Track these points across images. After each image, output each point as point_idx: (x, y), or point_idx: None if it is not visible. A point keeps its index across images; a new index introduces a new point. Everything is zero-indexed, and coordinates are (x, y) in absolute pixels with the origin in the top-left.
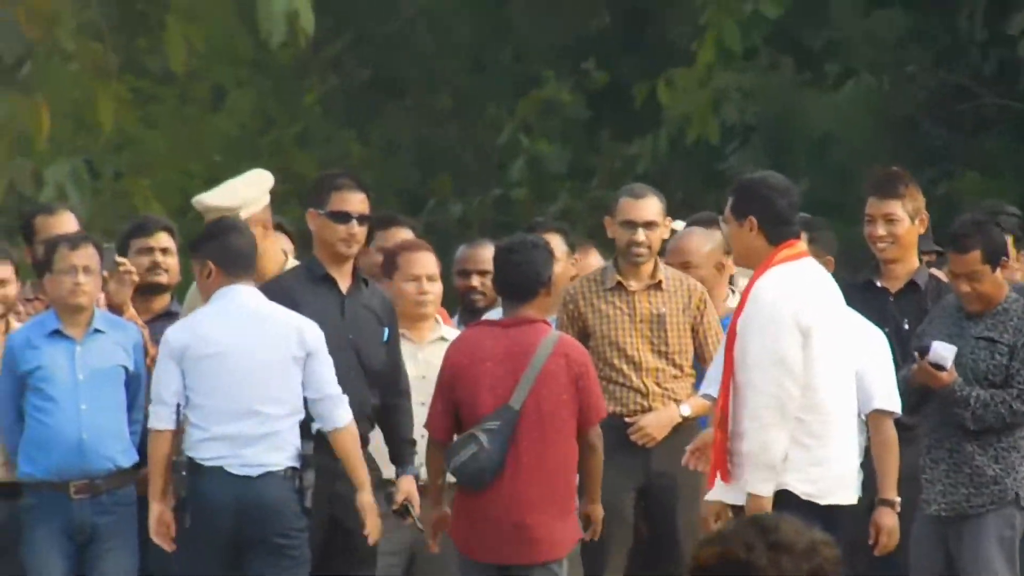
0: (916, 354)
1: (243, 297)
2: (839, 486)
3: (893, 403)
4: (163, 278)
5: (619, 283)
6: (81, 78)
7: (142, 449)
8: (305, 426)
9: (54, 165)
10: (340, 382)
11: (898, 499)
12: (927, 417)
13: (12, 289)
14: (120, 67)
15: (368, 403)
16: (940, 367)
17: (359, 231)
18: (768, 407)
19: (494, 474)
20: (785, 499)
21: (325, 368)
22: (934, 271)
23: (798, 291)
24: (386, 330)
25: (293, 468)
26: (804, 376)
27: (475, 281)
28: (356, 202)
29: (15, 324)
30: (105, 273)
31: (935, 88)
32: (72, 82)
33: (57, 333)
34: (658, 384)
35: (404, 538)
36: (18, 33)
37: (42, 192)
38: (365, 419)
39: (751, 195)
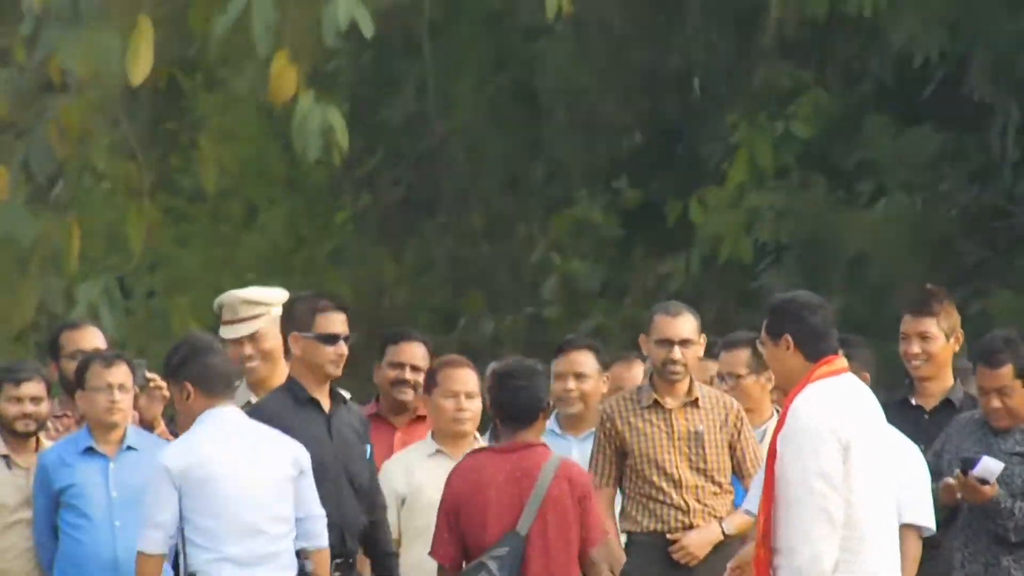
0: (958, 470)
1: (231, 417)
2: None
3: (925, 518)
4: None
5: (656, 401)
6: (113, 197)
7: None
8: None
9: (86, 283)
10: (334, 503)
11: None
12: (960, 532)
13: (44, 407)
14: (152, 186)
15: (360, 522)
16: (984, 481)
17: (345, 351)
18: (816, 520)
19: None
20: None
21: (312, 488)
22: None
23: (837, 406)
24: (368, 447)
25: None
26: (844, 490)
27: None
28: (340, 323)
29: (45, 442)
30: (136, 389)
31: (968, 207)
32: (104, 201)
33: (90, 450)
34: (698, 501)
35: None
36: (49, 152)
37: (73, 311)
38: (356, 537)
39: (785, 314)
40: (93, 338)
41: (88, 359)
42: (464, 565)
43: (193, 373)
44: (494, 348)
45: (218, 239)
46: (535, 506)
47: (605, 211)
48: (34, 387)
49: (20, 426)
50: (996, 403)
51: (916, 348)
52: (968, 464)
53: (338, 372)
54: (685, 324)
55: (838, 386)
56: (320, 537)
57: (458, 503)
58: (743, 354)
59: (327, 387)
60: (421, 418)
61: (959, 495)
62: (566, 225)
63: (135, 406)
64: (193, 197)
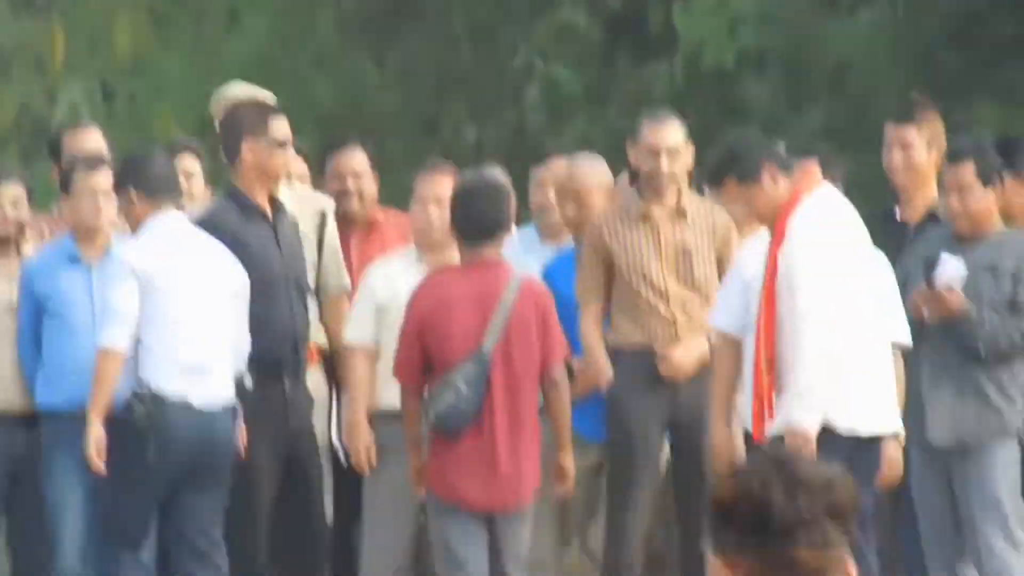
0: (923, 280)
1: (178, 225)
2: (879, 416)
3: (903, 335)
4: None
5: (643, 212)
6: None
7: None
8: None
9: (67, 85)
10: (287, 314)
11: (903, 432)
12: (925, 343)
13: (24, 211)
14: None
15: (309, 326)
16: (949, 289)
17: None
18: (813, 352)
19: (471, 421)
20: (826, 435)
21: (245, 313)
22: None
23: (838, 218)
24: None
25: (234, 404)
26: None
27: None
28: (287, 128)
29: (27, 248)
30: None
31: (950, 15)
32: (88, 4)
33: (73, 258)
34: (685, 313)
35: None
36: None
37: (55, 113)
38: (306, 346)
39: (752, 150)
40: (94, 140)
41: (72, 164)
42: (425, 383)
43: (135, 180)
44: (477, 155)
45: (200, 43)
46: (499, 325)
47: (588, 16)
48: (12, 189)
49: None
50: (956, 203)
51: (897, 156)
52: (930, 264)
53: (283, 176)
54: (672, 132)
55: (829, 199)
56: (244, 362)
57: (422, 321)
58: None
59: (267, 194)
60: (373, 226)
61: (925, 311)
62: (549, 30)
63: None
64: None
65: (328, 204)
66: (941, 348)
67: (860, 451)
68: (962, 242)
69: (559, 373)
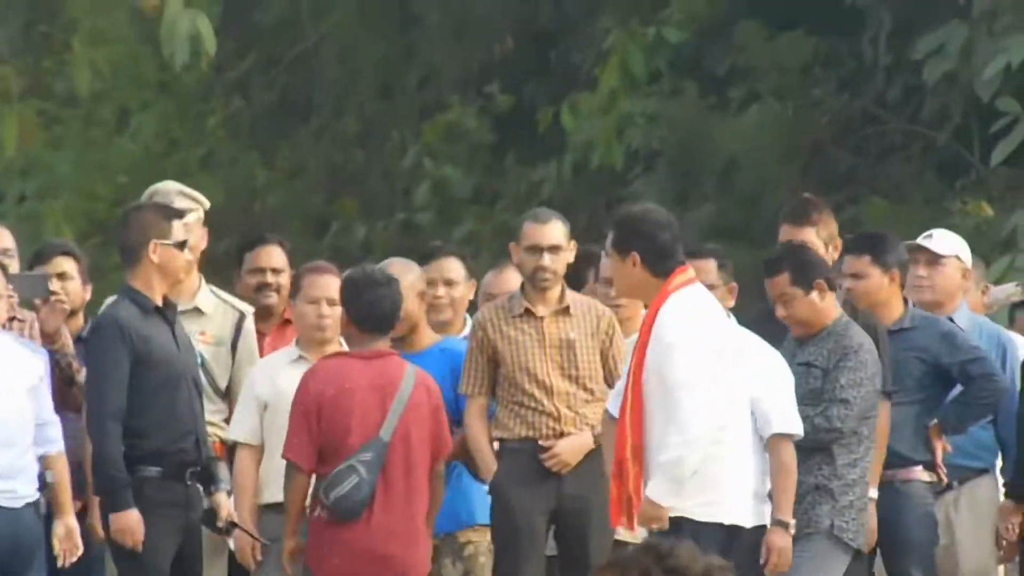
0: None
1: None
2: (737, 507)
3: (793, 426)
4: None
5: (527, 309)
6: None
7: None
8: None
9: None
10: (188, 411)
11: (792, 521)
12: None
13: None
14: (24, 90)
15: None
16: None
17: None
18: (696, 423)
19: (366, 506)
20: (684, 526)
21: (47, 393)
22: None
23: (706, 315)
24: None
25: (38, 499)
26: (715, 395)
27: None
28: (186, 229)
29: None
30: (37, 301)
31: (840, 113)
32: None
33: None
34: (570, 408)
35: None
36: None
37: None
38: (207, 443)
39: (633, 231)
40: (1, 238)
41: None
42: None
43: None
44: (366, 253)
45: (90, 143)
46: (398, 413)
47: (477, 117)
48: None
49: None
50: (781, 311)
51: None
52: None
53: (185, 278)
54: (554, 230)
55: (699, 296)
56: (57, 442)
57: (320, 405)
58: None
59: (163, 294)
60: (288, 322)
61: None
62: (438, 131)
63: (38, 317)
64: (66, 101)
65: (247, 308)
66: None
67: (732, 541)
68: (799, 343)
69: (442, 465)
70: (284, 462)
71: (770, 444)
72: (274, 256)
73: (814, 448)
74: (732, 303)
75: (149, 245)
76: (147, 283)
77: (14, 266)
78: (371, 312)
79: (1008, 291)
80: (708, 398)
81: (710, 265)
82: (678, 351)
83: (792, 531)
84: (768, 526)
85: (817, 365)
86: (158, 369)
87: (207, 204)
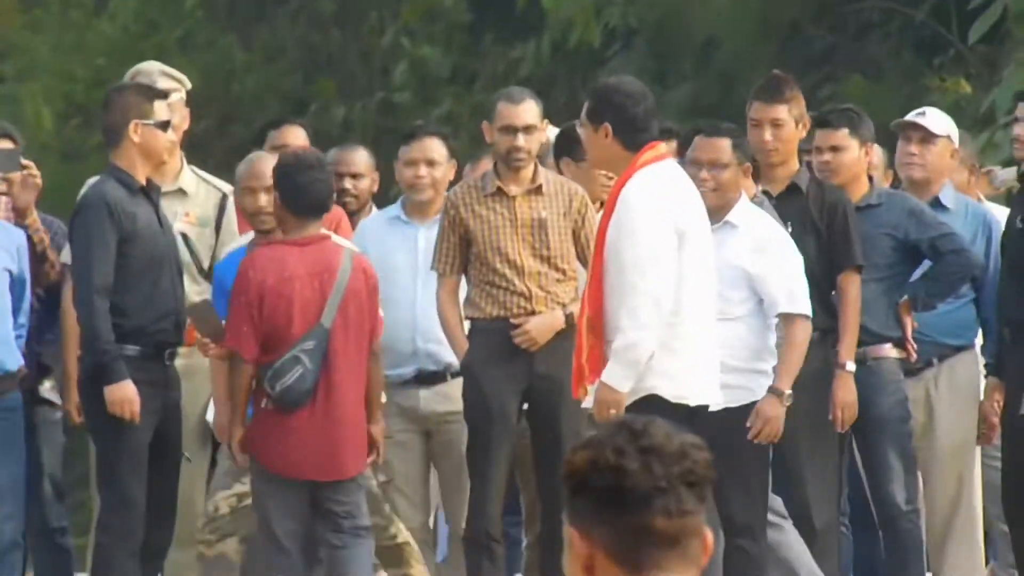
0: None
1: None
2: (704, 388)
3: (798, 306)
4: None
5: (499, 188)
6: None
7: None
8: None
9: None
10: (172, 293)
11: (788, 392)
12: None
13: None
14: None
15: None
16: None
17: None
18: (646, 307)
19: (311, 395)
20: (654, 403)
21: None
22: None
23: (671, 193)
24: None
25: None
26: (676, 276)
27: (347, 184)
28: (168, 111)
29: None
30: (8, 176)
31: None
32: None
33: None
34: (541, 288)
35: None
36: None
37: None
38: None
39: (606, 102)
40: None
41: None
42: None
43: None
44: (344, 134)
45: (69, 25)
46: (337, 300)
47: None
48: None
49: None
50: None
51: (768, 135)
52: None
53: (168, 158)
54: (528, 110)
55: (667, 172)
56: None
57: (262, 295)
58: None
59: (147, 175)
60: None
61: None
62: (416, 10)
63: (8, 193)
64: None
65: (228, 188)
66: None
67: (685, 423)
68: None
69: (379, 346)
70: None
71: (782, 321)
72: (299, 136)
73: None
74: (749, 183)
75: (130, 125)
76: (131, 163)
77: None
78: (306, 196)
79: (1013, 174)
80: (659, 282)
81: (724, 144)
82: (635, 232)
83: (786, 403)
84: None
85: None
86: (143, 248)
87: (189, 84)
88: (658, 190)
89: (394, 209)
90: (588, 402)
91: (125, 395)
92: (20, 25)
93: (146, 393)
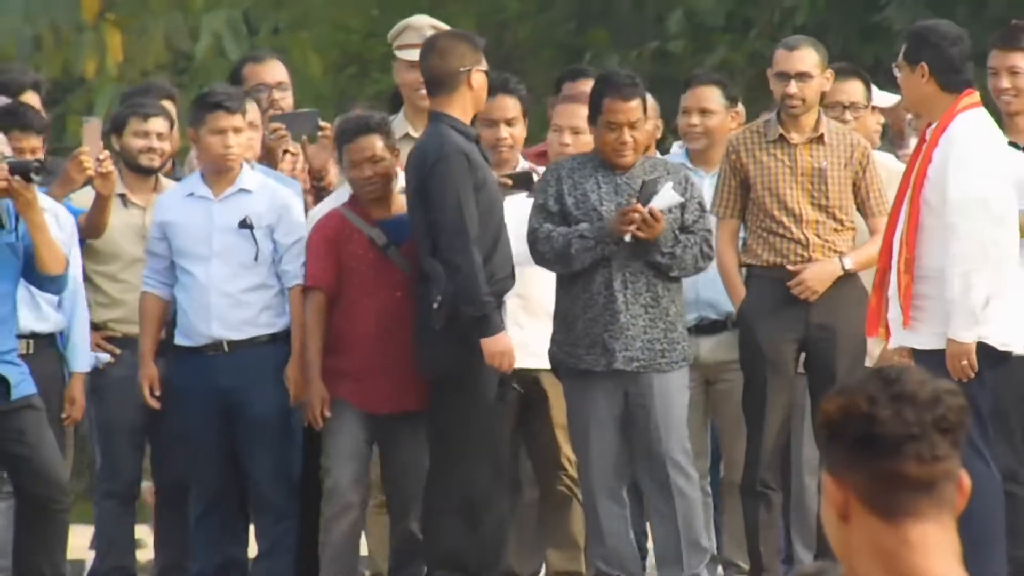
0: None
1: None
2: (1022, 336)
3: None
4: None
5: (781, 135)
6: None
7: None
8: None
9: (209, 15)
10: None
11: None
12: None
13: (167, 145)
14: None
15: None
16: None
17: None
18: (972, 251)
19: None
20: (981, 352)
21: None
22: None
23: (994, 139)
24: None
25: None
26: (1002, 222)
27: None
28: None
29: (165, 181)
30: (305, 137)
31: None
32: None
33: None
34: (818, 236)
35: None
36: None
37: (198, 44)
38: None
39: (923, 42)
40: (276, 72)
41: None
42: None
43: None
44: None
45: None
46: None
47: None
48: (158, 123)
49: (144, 160)
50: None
51: (1005, 82)
52: (651, 188)
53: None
54: (804, 57)
55: (987, 120)
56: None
57: None
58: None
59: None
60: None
61: (630, 227)
62: None
63: (305, 155)
64: None
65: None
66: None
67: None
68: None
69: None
70: None
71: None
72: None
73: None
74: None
75: (470, 73)
76: (464, 112)
77: (288, 99)
78: None
79: None
80: (984, 226)
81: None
82: (961, 173)
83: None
84: None
85: None
86: (488, 200)
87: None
88: (985, 135)
89: (679, 158)
90: (895, 342)
91: (503, 346)
92: None
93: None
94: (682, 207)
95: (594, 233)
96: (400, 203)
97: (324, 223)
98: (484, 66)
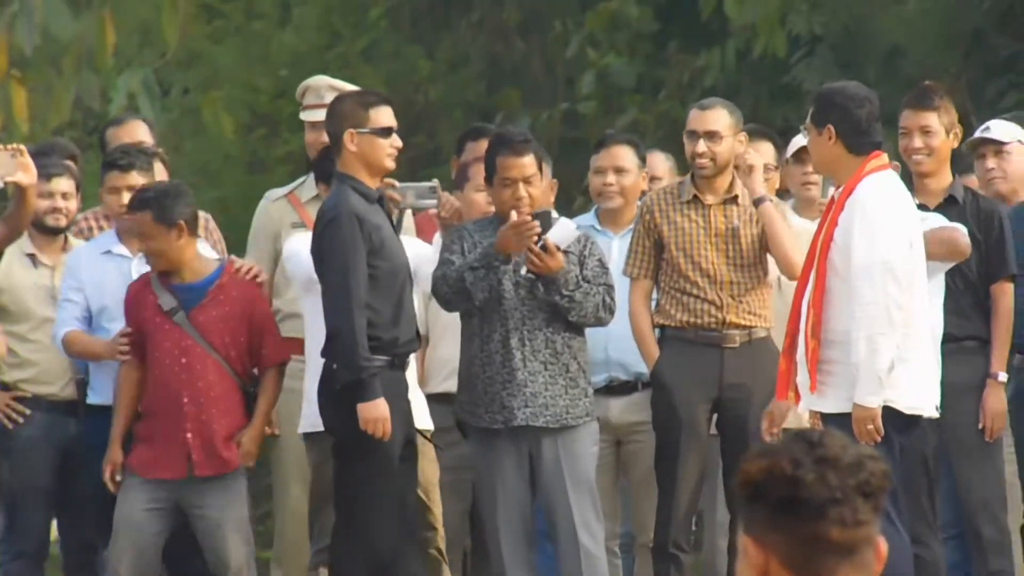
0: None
1: None
2: (929, 399)
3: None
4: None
5: (695, 196)
6: None
7: None
8: None
9: (124, 74)
10: (410, 302)
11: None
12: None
13: (73, 204)
14: None
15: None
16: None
17: (399, 143)
18: (877, 316)
19: None
20: (889, 415)
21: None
22: (969, 184)
23: (901, 201)
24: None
25: None
26: (907, 286)
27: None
28: (391, 116)
29: (74, 241)
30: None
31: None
32: None
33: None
34: (732, 296)
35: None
36: None
37: (112, 104)
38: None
39: (830, 104)
40: (137, 132)
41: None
42: None
43: None
44: None
45: (252, 36)
46: None
47: (640, 5)
48: (63, 183)
49: (50, 220)
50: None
51: (918, 142)
52: (546, 221)
53: (393, 165)
54: (714, 117)
55: (894, 182)
56: None
57: None
58: None
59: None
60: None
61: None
62: (601, 19)
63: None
64: None
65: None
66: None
67: (909, 426)
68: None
69: None
70: (448, 352)
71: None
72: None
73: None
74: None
75: (345, 135)
76: (357, 171)
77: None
78: None
79: None
80: (894, 290)
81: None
82: (865, 237)
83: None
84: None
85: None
86: (386, 262)
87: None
88: (891, 198)
89: (588, 219)
90: (803, 406)
91: (380, 412)
92: (203, 36)
93: (394, 404)
94: (581, 262)
95: (480, 259)
96: None
97: (130, 286)
98: (377, 125)
